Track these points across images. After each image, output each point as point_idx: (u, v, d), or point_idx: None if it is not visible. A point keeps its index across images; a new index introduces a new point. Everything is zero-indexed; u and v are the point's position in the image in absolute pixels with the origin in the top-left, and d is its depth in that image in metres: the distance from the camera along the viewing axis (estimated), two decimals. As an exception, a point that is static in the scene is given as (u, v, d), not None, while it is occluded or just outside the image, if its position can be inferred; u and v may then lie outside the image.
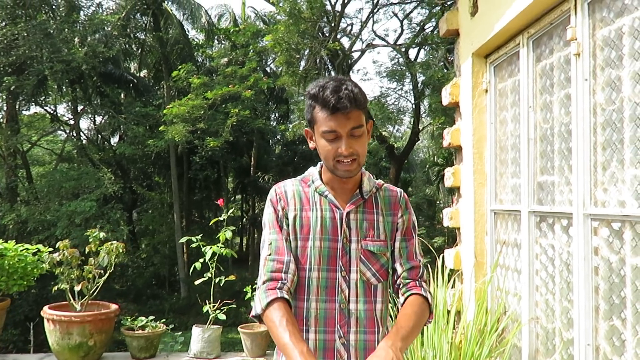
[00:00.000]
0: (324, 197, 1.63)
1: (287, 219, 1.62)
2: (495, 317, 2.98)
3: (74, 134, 18.95)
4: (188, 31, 19.22)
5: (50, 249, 3.52)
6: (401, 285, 1.65)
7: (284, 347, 1.41)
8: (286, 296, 1.51)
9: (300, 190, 1.65)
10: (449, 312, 3.09)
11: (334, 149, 1.52)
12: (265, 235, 1.62)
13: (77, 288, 3.31)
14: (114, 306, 3.48)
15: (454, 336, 2.98)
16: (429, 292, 1.65)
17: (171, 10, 17.62)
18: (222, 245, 3.59)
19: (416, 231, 1.72)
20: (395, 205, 1.67)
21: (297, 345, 1.38)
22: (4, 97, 15.68)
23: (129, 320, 3.50)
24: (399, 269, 1.66)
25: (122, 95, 18.17)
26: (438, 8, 12.26)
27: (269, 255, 1.58)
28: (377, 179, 1.72)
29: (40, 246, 3.59)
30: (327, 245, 1.58)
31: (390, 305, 1.70)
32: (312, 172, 1.69)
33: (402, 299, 1.64)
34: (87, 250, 3.44)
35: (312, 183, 1.65)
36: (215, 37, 18.83)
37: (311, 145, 1.63)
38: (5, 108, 16.45)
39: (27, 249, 3.53)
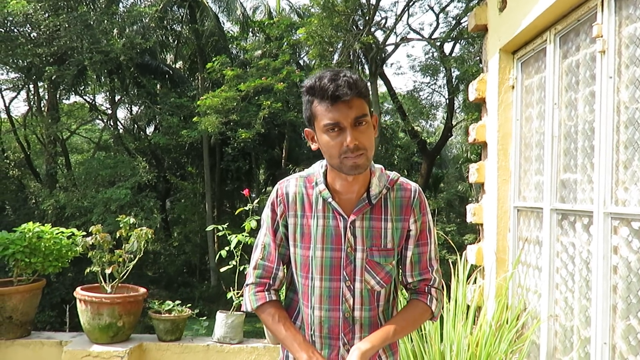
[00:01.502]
0: (328, 204, 1.52)
1: (287, 224, 1.57)
2: (515, 313, 2.98)
3: (111, 123, 19.46)
4: (223, 23, 19.47)
5: (84, 233, 3.68)
6: (410, 291, 1.66)
7: (283, 341, 1.52)
8: (274, 297, 1.59)
9: (303, 192, 1.55)
10: (468, 307, 3.10)
11: (338, 144, 1.39)
12: (260, 236, 1.62)
13: (107, 271, 3.45)
14: (142, 289, 3.61)
15: (473, 331, 3.00)
16: (437, 300, 1.61)
17: (207, 2, 17.84)
18: (247, 234, 3.68)
19: (432, 233, 1.61)
20: (407, 209, 1.55)
21: (295, 338, 1.49)
22: (46, 86, 16.22)
23: (157, 303, 3.63)
24: (410, 279, 1.62)
25: (158, 86, 18.55)
26: (475, 1, 12.08)
27: (261, 259, 1.59)
28: (391, 172, 1.60)
29: (74, 230, 3.75)
30: (330, 255, 1.52)
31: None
32: (317, 170, 1.57)
33: (408, 297, 1.66)
34: (118, 235, 3.57)
35: (317, 185, 1.54)
36: (250, 30, 19.00)
37: (313, 146, 1.51)
38: (46, 97, 17.02)
39: (63, 232, 3.69)
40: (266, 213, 1.60)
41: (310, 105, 1.45)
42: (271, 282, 1.59)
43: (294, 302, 1.65)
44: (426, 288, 1.61)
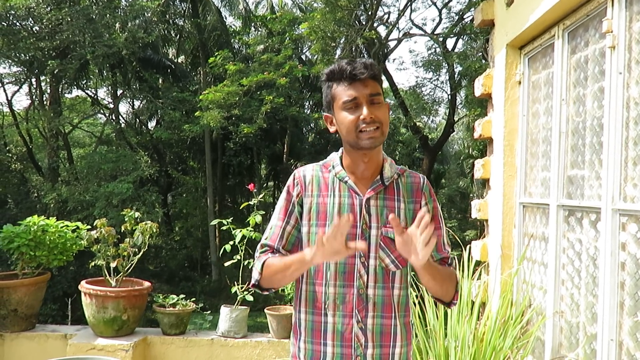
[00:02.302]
0: (344, 183, 1.61)
1: (302, 205, 1.63)
2: (520, 309, 2.98)
3: (113, 118, 19.44)
4: (225, 18, 19.43)
5: (89, 227, 3.68)
6: None
7: (290, 265, 1.53)
8: (276, 255, 1.62)
9: (320, 175, 1.65)
10: (473, 302, 3.10)
11: (355, 118, 1.52)
12: (272, 220, 1.68)
13: (112, 265, 3.45)
14: (146, 283, 3.62)
15: (477, 327, 3.00)
16: (457, 276, 1.68)
17: (209, -4, 17.81)
18: (252, 229, 3.68)
19: (443, 220, 1.69)
20: (418, 192, 1.65)
21: (294, 256, 1.53)
22: (48, 80, 16.20)
23: (161, 297, 3.63)
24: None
25: (160, 81, 18.53)
26: (478, -3, 12.04)
27: (265, 239, 1.67)
28: (399, 165, 1.70)
29: (79, 223, 3.75)
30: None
31: (411, 291, 1.73)
32: (334, 157, 1.68)
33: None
34: (122, 229, 3.57)
35: (333, 168, 1.64)
36: (252, 24, 18.96)
37: (332, 129, 1.63)
38: (48, 91, 17.00)
39: (67, 225, 3.69)
40: (282, 197, 1.68)
41: (330, 89, 1.59)
42: (270, 255, 1.64)
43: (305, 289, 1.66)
44: (446, 264, 1.68)
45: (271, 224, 1.67)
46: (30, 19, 14.44)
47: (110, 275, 3.49)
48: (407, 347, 1.64)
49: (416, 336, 3.00)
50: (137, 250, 3.57)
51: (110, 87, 19.32)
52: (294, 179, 1.66)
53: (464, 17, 14.43)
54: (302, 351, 1.62)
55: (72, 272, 14.32)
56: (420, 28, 15.66)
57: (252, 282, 1.66)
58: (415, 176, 1.68)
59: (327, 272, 1.59)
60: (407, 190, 1.65)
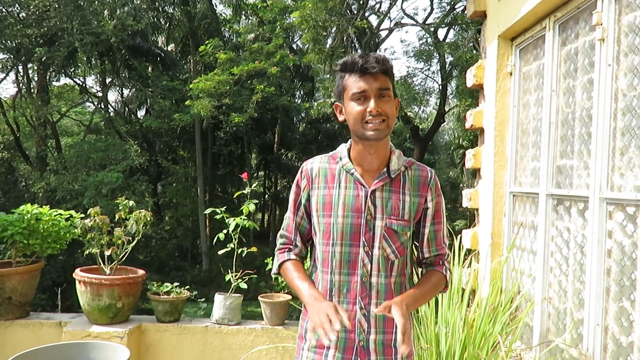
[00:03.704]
0: (350, 175, 1.67)
1: (309, 197, 1.71)
2: (509, 296, 3.04)
3: (102, 106, 19.31)
4: (215, 6, 19.30)
5: (82, 215, 3.68)
6: (425, 264, 1.80)
7: (295, 289, 1.68)
8: (293, 257, 1.78)
9: (327, 167, 1.70)
10: (463, 290, 3.16)
11: (362, 110, 1.57)
12: (287, 212, 1.82)
13: (107, 253, 3.46)
14: (141, 271, 3.64)
15: (467, 313, 3.06)
16: (449, 270, 1.78)
17: (199, -16, 17.65)
18: (245, 218, 3.70)
19: (444, 214, 1.77)
20: (424, 186, 1.70)
21: (302, 281, 1.66)
22: (35, 67, 16.02)
23: (155, 285, 3.66)
24: (427, 254, 1.77)
25: (150, 69, 18.39)
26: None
27: (283, 229, 1.82)
28: (408, 158, 1.75)
29: (72, 212, 3.76)
30: (350, 222, 1.64)
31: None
32: (342, 149, 1.73)
33: (424, 271, 1.80)
34: (117, 217, 3.58)
35: (340, 160, 1.70)
36: (243, 13, 18.83)
37: (340, 118, 1.68)
38: (36, 78, 16.82)
39: (61, 214, 3.70)
40: (292, 191, 1.78)
41: (342, 80, 1.64)
42: (292, 247, 1.80)
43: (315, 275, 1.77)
44: (440, 261, 1.77)
45: (287, 215, 1.81)
46: (17, 5, 14.25)
47: (104, 264, 3.51)
48: None
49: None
50: (130, 238, 3.59)
51: (98, 75, 19.16)
52: (301, 173, 1.74)
53: (456, 7, 14.45)
54: (309, 333, 1.70)
55: (61, 262, 14.28)
56: (412, 18, 15.66)
57: (273, 271, 1.85)
58: (423, 169, 1.72)
59: (333, 260, 1.66)
60: (414, 183, 1.69)
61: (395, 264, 1.67)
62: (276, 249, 1.83)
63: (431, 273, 1.75)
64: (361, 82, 1.57)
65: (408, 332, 1.44)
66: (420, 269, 1.85)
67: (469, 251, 3.55)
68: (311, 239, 1.78)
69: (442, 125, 19.42)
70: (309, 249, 1.84)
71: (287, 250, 1.80)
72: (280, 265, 1.78)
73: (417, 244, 1.77)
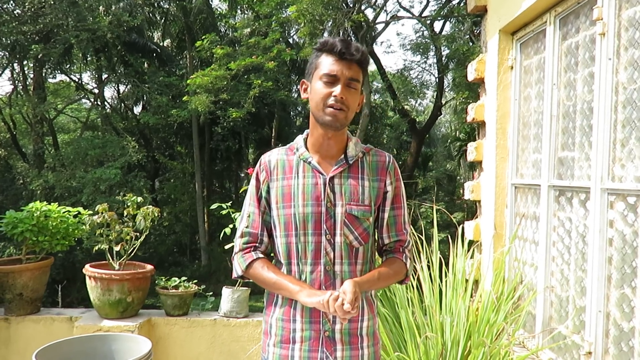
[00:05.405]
0: (308, 164, 1.66)
1: (269, 189, 1.68)
2: (511, 285, 3.11)
3: (99, 103, 19.25)
4: (211, 0, 19.20)
5: (90, 212, 3.73)
6: (385, 252, 1.77)
7: (275, 284, 1.62)
8: (261, 255, 1.69)
9: (285, 159, 1.69)
10: (467, 280, 3.23)
11: (328, 93, 1.57)
12: (245, 206, 1.74)
13: (116, 249, 3.52)
14: (149, 266, 3.69)
15: (471, 303, 3.13)
16: (409, 259, 1.75)
17: (195, -21, 17.58)
18: (251, 212, 3.76)
19: (404, 199, 1.75)
20: (383, 171, 1.69)
21: (285, 278, 1.61)
22: (31, 64, 15.96)
23: (163, 280, 3.72)
24: (386, 240, 1.74)
25: (146, 65, 18.35)
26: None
27: (246, 227, 1.72)
28: (366, 144, 1.75)
29: (80, 209, 3.81)
30: (311, 210, 1.62)
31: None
32: (298, 139, 1.72)
33: (383, 259, 1.77)
34: (125, 213, 3.64)
35: (297, 150, 1.69)
36: (239, 7, 18.78)
37: (304, 95, 1.67)
38: (32, 76, 16.76)
39: (69, 211, 3.75)
40: (251, 184, 1.73)
41: (317, 58, 1.62)
42: (258, 244, 1.71)
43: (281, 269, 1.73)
44: (401, 248, 1.75)
45: (248, 212, 1.72)
46: (12, 2, 14.18)
47: (113, 259, 3.56)
48: (372, 320, 1.72)
49: (413, 314, 3.12)
50: (138, 234, 3.64)
51: (94, 72, 19.09)
52: (260, 165, 1.71)
53: None
54: (274, 328, 1.68)
55: (60, 259, 14.28)
56: (408, 11, 15.70)
57: (234, 275, 1.74)
58: (381, 155, 1.72)
59: (297, 251, 1.64)
60: (372, 168, 1.69)
61: (360, 251, 1.66)
62: (237, 249, 1.73)
63: (391, 260, 1.73)
64: (335, 65, 1.57)
65: (357, 295, 1.47)
66: (381, 259, 1.80)
67: (471, 242, 3.62)
68: (270, 234, 1.73)
69: (439, 117, 19.47)
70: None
71: (252, 249, 1.70)
72: (248, 266, 1.68)
73: (377, 230, 1.75)
